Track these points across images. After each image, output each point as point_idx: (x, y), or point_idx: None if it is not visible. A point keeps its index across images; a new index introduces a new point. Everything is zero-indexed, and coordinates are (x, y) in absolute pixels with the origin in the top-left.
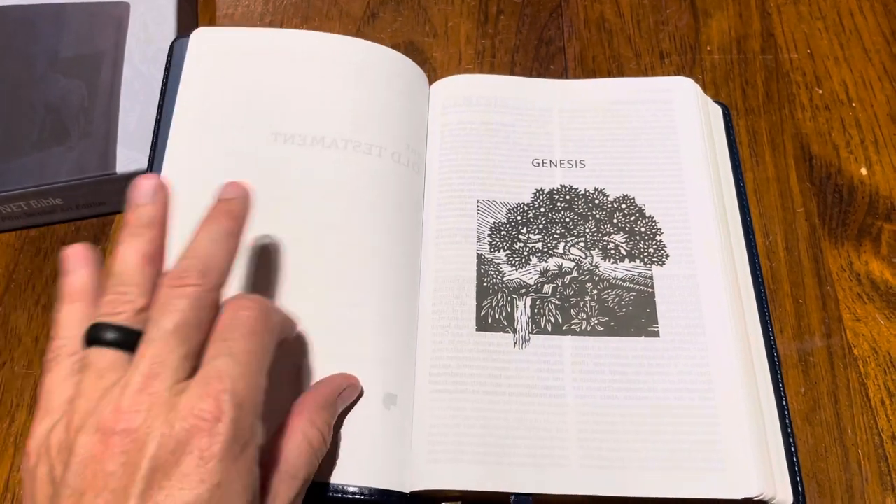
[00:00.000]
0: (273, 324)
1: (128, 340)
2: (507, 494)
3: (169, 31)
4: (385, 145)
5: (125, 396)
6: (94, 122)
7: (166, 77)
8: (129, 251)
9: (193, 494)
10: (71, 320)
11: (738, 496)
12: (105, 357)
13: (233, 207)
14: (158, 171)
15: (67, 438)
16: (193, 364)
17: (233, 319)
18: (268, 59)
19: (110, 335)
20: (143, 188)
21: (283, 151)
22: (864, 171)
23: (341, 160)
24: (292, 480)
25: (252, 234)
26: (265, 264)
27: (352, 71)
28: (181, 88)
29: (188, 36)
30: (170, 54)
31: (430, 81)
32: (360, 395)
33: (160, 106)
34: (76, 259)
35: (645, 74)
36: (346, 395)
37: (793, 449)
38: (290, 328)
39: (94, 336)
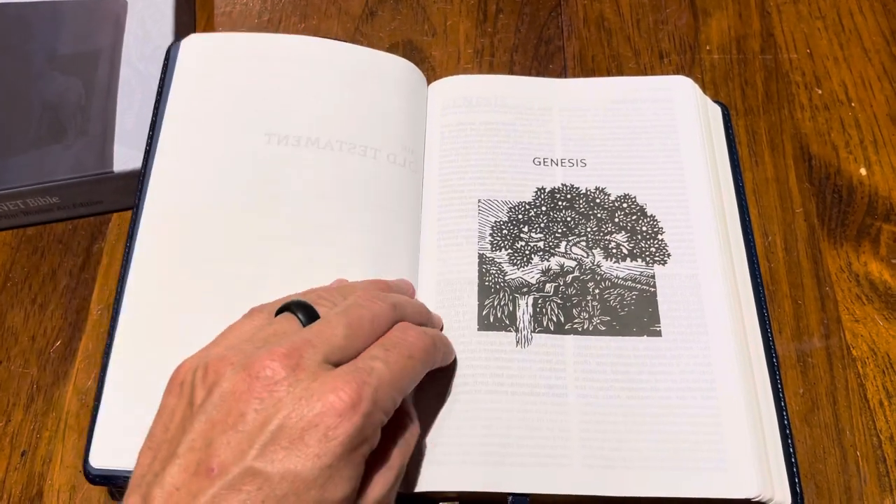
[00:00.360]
0: (432, 359)
1: (312, 318)
2: (506, 494)
3: (167, 29)
4: (380, 147)
5: (279, 350)
6: (91, 121)
7: (162, 81)
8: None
9: (306, 466)
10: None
11: (738, 496)
12: (286, 320)
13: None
14: (150, 169)
15: (220, 369)
16: (347, 359)
17: (400, 338)
18: (260, 64)
19: (298, 307)
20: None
21: (277, 152)
22: (863, 171)
23: (336, 162)
24: (388, 472)
25: (246, 235)
26: (259, 266)
27: (345, 75)
28: (171, 93)
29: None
30: (166, 59)
31: (430, 80)
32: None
33: (155, 110)
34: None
35: (644, 74)
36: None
37: (791, 450)
38: (446, 359)
39: (286, 305)
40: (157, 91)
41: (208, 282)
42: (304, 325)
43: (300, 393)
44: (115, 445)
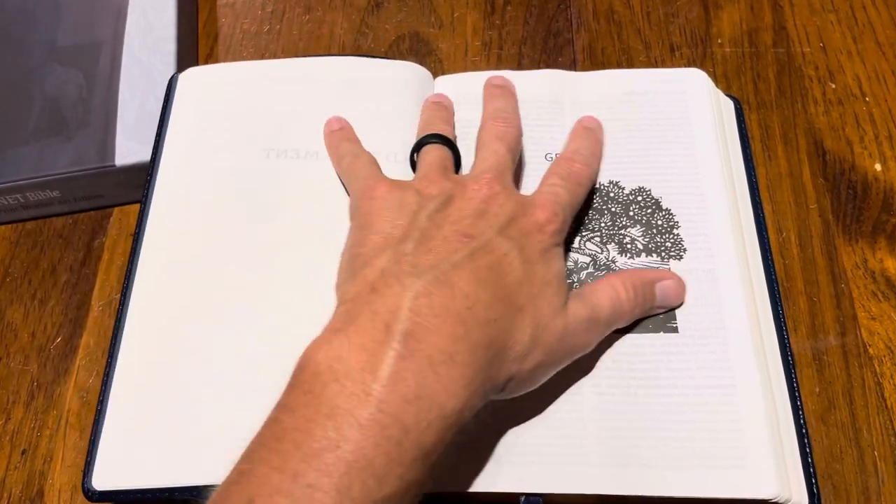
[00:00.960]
0: (591, 182)
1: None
2: (519, 495)
3: (169, 20)
4: (379, 149)
5: (487, 175)
6: (92, 113)
7: (164, 108)
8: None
9: (533, 246)
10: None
11: (757, 497)
12: (445, 160)
13: (505, 90)
14: (151, 193)
15: (443, 190)
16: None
17: (569, 168)
18: (258, 89)
19: (437, 138)
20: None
21: (276, 166)
22: (878, 166)
23: (335, 171)
24: (594, 308)
25: (245, 248)
26: (262, 275)
27: (343, 87)
28: (171, 123)
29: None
30: (168, 88)
31: (437, 73)
32: (680, 303)
33: (157, 138)
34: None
35: (655, 66)
36: (667, 288)
37: (808, 450)
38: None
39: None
40: (159, 122)
41: (212, 297)
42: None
43: (520, 201)
44: (120, 464)
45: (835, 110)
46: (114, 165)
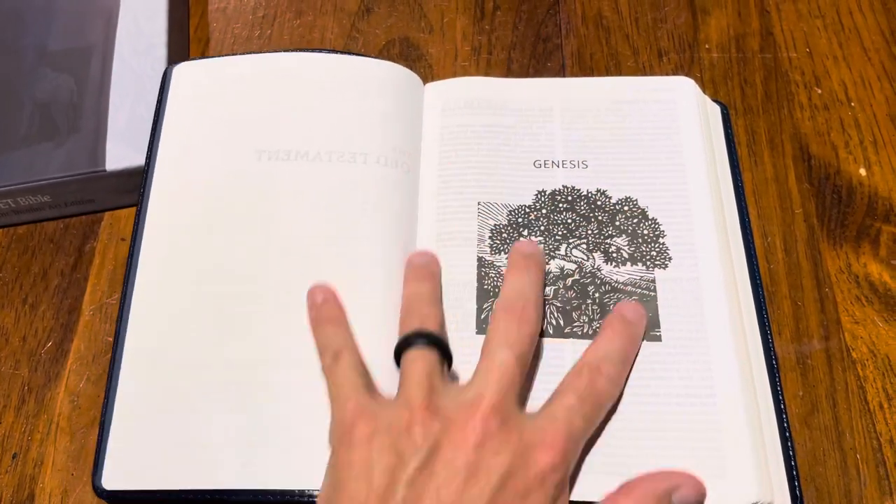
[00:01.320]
0: (613, 401)
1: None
2: None
3: (160, 25)
4: (369, 151)
5: (487, 405)
6: (83, 118)
7: (158, 105)
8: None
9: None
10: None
11: (738, 502)
12: (433, 368)
13: (532, 261)
14: (147, 197)
15: (433, 441)
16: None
17: (591, 388)
18: (248, 85)
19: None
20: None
21: (268, 168)
22: (863, 171)
23: (326, 172)
24: None
25: (241, 251)
26: (255, 280)
27: (332, 85)
28: (165, 120)
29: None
30: (162, 83)
31: (427, 78)
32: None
33: (152, 135)
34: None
35: (643, 72)
36: (684, 495)
37: (791, 453)
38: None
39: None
40: (154, 118)
41: (208, 296)
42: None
43: (514, 450)
44: (128, 465)
45: (820, 115)
46: (104, 170)
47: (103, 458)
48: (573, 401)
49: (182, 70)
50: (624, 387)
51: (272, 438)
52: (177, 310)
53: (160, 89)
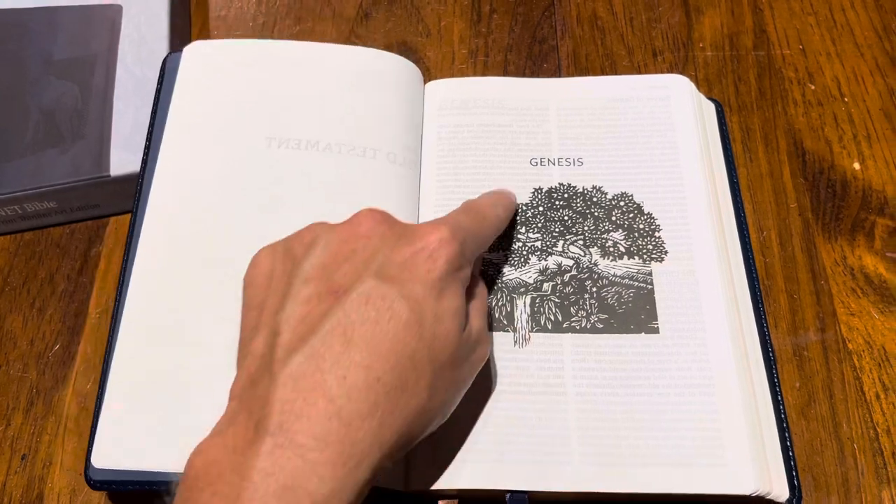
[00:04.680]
0: (500, 221)
1: None
2: (504, 492)
3: (162, 33)
4: (379, 146)
5: (373, 209)
6: (87, 125)
7: (158, 91)
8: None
9: (421, 280)
10: None
11: (736, 492)
12: None
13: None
14: (151, 177)
15: (314, 230)
16: None
17: (473, 204)
18: (260, 70)
19: None
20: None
21: (278, 156)
22: (856, 165)
23: (336, 164)
24: (482, 306)
25: (247, 240)
26: None
27: (344, 76)
28: (175, 99)
29: (180, 51)
30: (162, 69)
31: (425, 80)
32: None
33: (153, 117)
34: None
35: (638, 72)
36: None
37: (788, 444)
38: (509, 212)
39: None
40: (155, 98)
41: (209, 285)
42: None
43: (401, 231)
44: (118, 448)
45: (814, 111)
46: (109, 176)
47: (93, 443)
48: (456, 211)
49: (194, 49)
50: (503, 226)
51: None
52: (174, 292)
53: (161, 73)
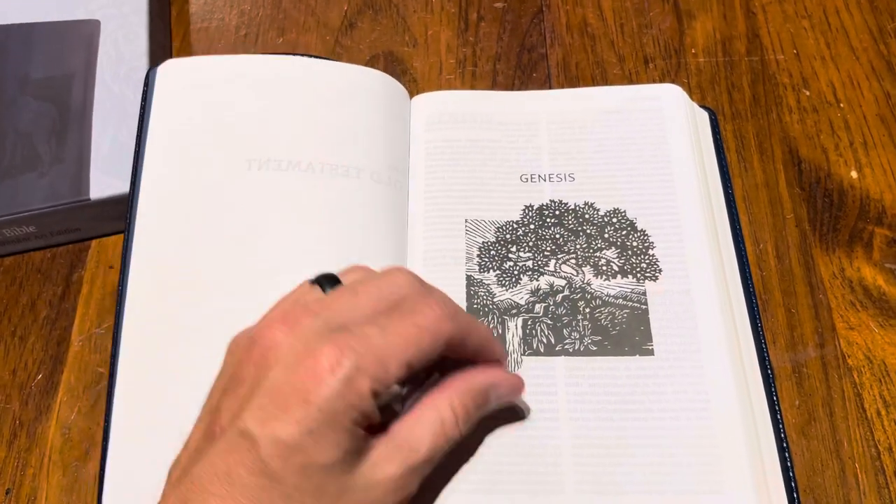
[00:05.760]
0: (450, 334)
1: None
2: None
3: (141, 49)
4: (363, 166)
5: (278, 315)
6: (66, 147)
7: (143, 108)
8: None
9: (289, 431)
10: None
11: None
12: (309, 289)
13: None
14: (135, 202)
15: (237, 339)
16: (352, 325)
17: (412, 305)
18: (238, 86)
19: (325, 277)
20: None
21: (258, 178)
22: (853, 174)
23: (319, 184)
24: (409, 453)
25: (231, 263)
26: (247, 295)
27: (324, 93)
28: (151, 122)
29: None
30: (146, 84)
31: (412, 92)
32: (521, 405)
33: (138, 139)
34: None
35: (629, 80)
36: (501, 391)
37: (789, 465)
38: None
39: (316, 277)
40: (140, 114)
41: (199, 315)
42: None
43: (290, 357)
44: (128, 487)
45: (809, 118)
46: (89, 199)
47: (102, 485)
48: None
49: (168, 68)
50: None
51: None
52: (168, 328)
53: (144, 91)
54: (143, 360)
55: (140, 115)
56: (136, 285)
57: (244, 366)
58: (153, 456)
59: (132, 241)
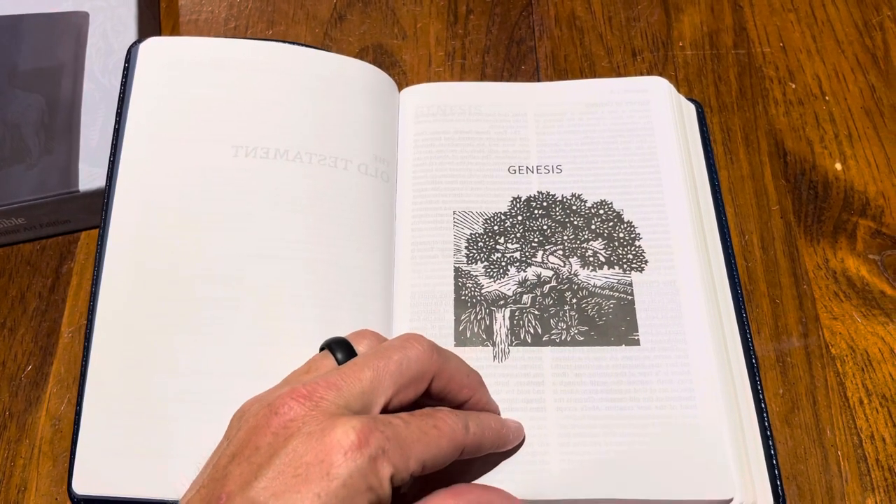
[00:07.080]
0: (464, 442)
1: (350, 355)
2: None
3: (130, 40)
4: (350, 157)
5: (301, 390)
6: (55, 139)
7: (123, 86)
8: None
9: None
10: None
11: (718, 498)
12: (323, 358)
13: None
14: (114, 186)
15: (250, 407)
16: (371, 404)
17: (430, 411)
18: (223, 71)
19: (338, 345)
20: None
21: (244, 165)
22: (838, 166)
23: (306, 174)
24: None
25: (216, 252)
26: (229, 284)
27: (313, 83)
28: (132, 102)
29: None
30: (127, 60)
31: (401, 84)
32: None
33: (118, 117)
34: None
35: (617, 72)
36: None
37: (772, 452)
38: (502, 444)
39: (327, 342)
40: (119, 99)
41: (179, 302)
42: (339, 364)
43: (312, 429)
44: (97, 470)
45: (795, 111)
46: (77, 191)
47: (73, 467)
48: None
49: (151, 46)
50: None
51: None
52: (144, 310)
53: (125, 70)
54: (118, 346)
55: (120, 94)
56: (111, 276)
57: (261, 434)
58: (124, 440)
59: (109, 221)
